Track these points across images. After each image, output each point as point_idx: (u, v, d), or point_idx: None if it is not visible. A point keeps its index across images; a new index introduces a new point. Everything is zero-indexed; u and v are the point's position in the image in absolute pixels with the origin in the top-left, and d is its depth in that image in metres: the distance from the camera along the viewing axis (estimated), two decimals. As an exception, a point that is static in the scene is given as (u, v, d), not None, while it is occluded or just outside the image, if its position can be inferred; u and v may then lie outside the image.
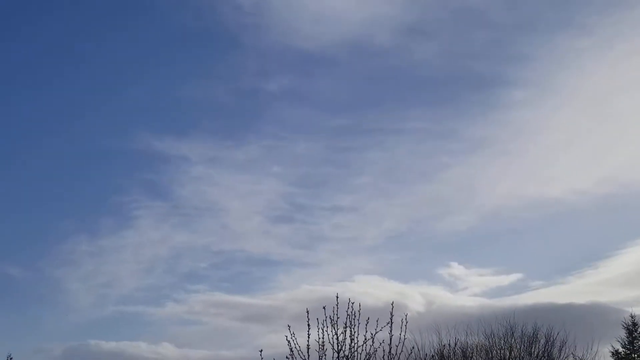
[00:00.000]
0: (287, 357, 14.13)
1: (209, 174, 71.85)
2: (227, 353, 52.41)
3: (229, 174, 73.00)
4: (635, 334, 35.62)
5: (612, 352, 35.39)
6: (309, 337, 14.24)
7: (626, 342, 35.57)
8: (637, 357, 35.14)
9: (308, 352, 14.19)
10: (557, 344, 31.81)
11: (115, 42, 72.01)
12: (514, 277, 62.65)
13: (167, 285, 69.22)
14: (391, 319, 14.48)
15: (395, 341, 14.46)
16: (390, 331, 14.43)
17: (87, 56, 72.66)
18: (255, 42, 72.17)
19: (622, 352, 35.42)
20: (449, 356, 26.52)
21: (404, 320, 14.57)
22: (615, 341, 35.09)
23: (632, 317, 35.87)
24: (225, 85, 73.50)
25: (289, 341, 14.15)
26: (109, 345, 55.80)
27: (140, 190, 73.43)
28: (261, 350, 14.35)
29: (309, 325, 14.31)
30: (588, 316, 43.83)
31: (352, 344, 14.34)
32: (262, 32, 71.09)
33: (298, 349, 14.14)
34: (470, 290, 62.12)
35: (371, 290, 53.40)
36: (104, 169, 75.26)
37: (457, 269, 63.11)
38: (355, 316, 14.45)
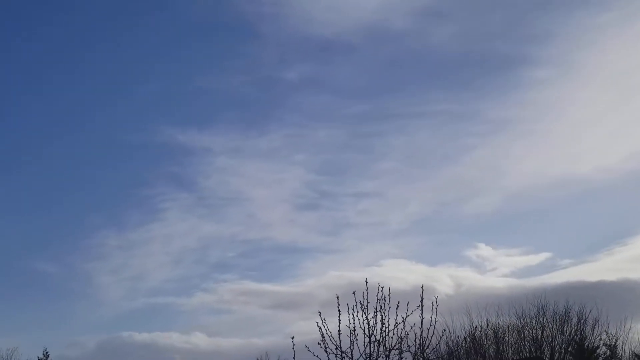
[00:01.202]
0: (318, 343, 14.16)
1: (232, 164, 72.24)
2: (258, 341, 52.83)
3: (253, 164, 73.31)
4: (669, 309, 35.08)
5: (646, 329, 34.85)
6: (339, 323, 14.25)
7: (660, 318, 34.99)
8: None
9: (339, 338, 14.20)
10: (590, 322, 31.50)
11: (135, 35, 72.53)
12: (542, 256, 62.04)
13: (196, 276, 70.00)
14: (421, 302, 14.44)
15: (426, 324, 14.45)
16: (421, 314, 14.40)
17: (108, 50, 73.34)
18: (273, 31, 72.14)
19: (656, 328, 34.85)
20: (480, 337, 26.42)
21: (434, 303, 14.53)
22: (649, 317, 34.54)
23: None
24: (245, 76, 73.66)
25: (320, 327, 14.17)
26: (141, 336, 56.57)
27: (166, 182, 74.17)
28: (293, 337, 14.42)
29: (339, 310, 14.33)
30: (619, 293, 43.27)
31: (384, 329, 14.34)
32: (280, 22, 71.05)
33: (329, 334, 14.17)
34: (499, 271, 61.67)
35: (399, 274, 53.27)
36: (129, 163, 76.00)
37: (484, 250, 62.62)
38: (385, 300, 14.44)
